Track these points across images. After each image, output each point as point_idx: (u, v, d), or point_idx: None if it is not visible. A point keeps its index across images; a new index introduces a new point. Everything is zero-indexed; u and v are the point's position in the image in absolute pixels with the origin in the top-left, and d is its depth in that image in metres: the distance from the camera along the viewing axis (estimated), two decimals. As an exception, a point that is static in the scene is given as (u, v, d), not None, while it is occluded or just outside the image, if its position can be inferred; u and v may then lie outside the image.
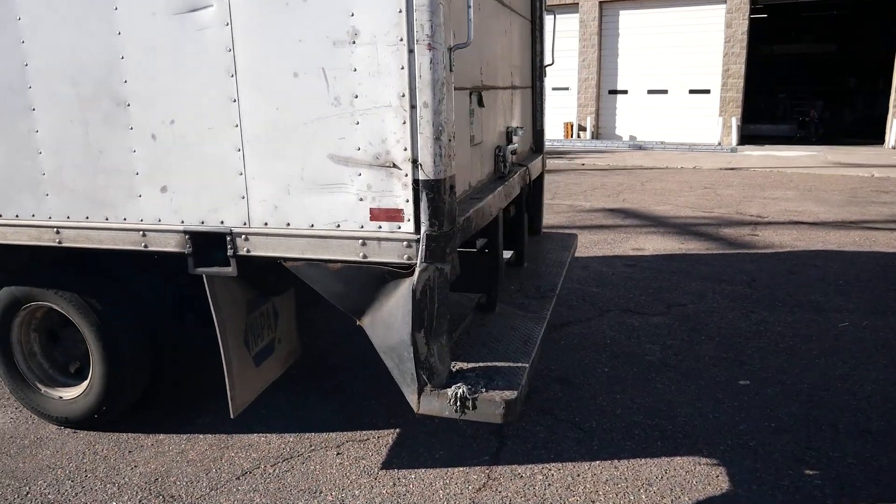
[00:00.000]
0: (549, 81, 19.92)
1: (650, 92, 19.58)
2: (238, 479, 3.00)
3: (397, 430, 3.42)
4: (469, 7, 2.35)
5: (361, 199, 2.49)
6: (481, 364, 2.82)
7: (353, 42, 2.35)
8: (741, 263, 6.57)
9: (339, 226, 2.54)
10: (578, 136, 20.42)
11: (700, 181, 12.29)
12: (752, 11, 17.86)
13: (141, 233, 2.80)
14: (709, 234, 7.96)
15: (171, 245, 2.77)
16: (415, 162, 2.38)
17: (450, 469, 3.09)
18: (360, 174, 2.46)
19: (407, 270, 2.48)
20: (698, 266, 6.50)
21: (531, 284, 3.98)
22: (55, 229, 2.93)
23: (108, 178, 2.78)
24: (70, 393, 3.39)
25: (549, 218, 8.98)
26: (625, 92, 20.03)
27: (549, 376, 4.06)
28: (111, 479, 3.00)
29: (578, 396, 3.80)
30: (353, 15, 2.33)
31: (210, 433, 3.38)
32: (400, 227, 2.46)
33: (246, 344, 3.07)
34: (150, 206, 2.76)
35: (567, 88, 20.52)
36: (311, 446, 3.26)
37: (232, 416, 2.98)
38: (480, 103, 3.25)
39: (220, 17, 2.47)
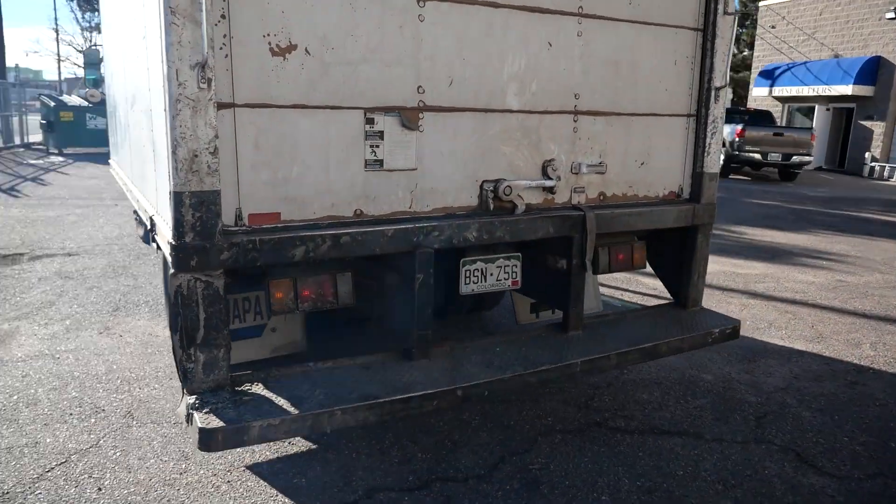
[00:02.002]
0: None
1: None
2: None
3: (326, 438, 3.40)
4: (202, 24, 2.27)
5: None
6: (267, 394, 2.66)
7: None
8: None
9: (167, 223, 2.82)
10: None
11: None
12: None
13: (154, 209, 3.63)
14: None
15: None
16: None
17: (278, 495, 2.96)
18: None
19: (177, 274, 2.59)
20: None
21: (525, 353, 3.24)
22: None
23: (148, 167, 3.70)
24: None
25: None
26: None
27: (528, 472, 3.22)
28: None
29: (513, 507, 2.96)
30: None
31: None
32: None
33: (212, 318, 3.59)
34: (151, 191, 3.55)
35: None
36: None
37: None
38: (408, 125, 2.89)
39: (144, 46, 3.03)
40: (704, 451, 3.50)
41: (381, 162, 2.88)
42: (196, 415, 2.47)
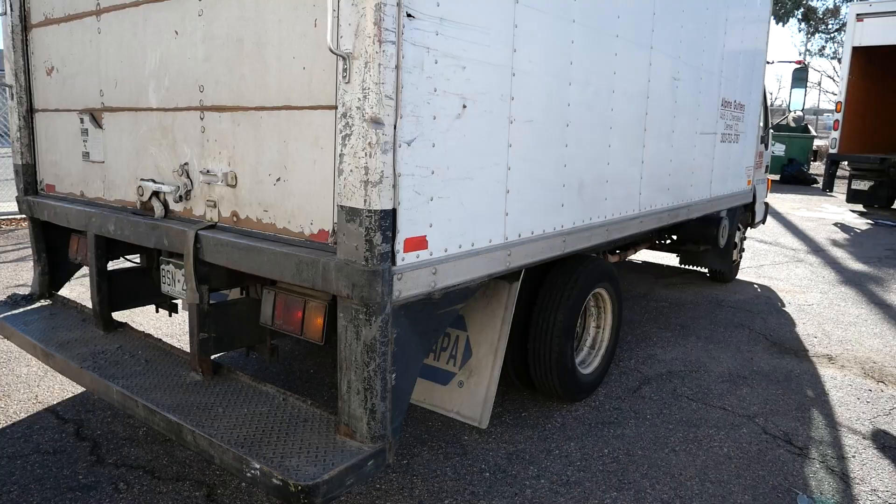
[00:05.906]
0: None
1: None
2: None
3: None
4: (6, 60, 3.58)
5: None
6: (33, 309, 3.84)
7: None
8: None
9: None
10: None
11: None
12: None
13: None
14: None
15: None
16: (30, 151, 3.98)
17: (62, 398, 4.00)
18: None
19: (42, 218, 4.07)
20: None
21: (117, 367, 3.11)
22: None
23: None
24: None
25: None
26: None
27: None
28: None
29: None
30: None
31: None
32: (46, 192, 4.05)
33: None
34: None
35: None
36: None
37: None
38: (95, 124, 3.32)
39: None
40: None
41: (88, 154, 3.47)
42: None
